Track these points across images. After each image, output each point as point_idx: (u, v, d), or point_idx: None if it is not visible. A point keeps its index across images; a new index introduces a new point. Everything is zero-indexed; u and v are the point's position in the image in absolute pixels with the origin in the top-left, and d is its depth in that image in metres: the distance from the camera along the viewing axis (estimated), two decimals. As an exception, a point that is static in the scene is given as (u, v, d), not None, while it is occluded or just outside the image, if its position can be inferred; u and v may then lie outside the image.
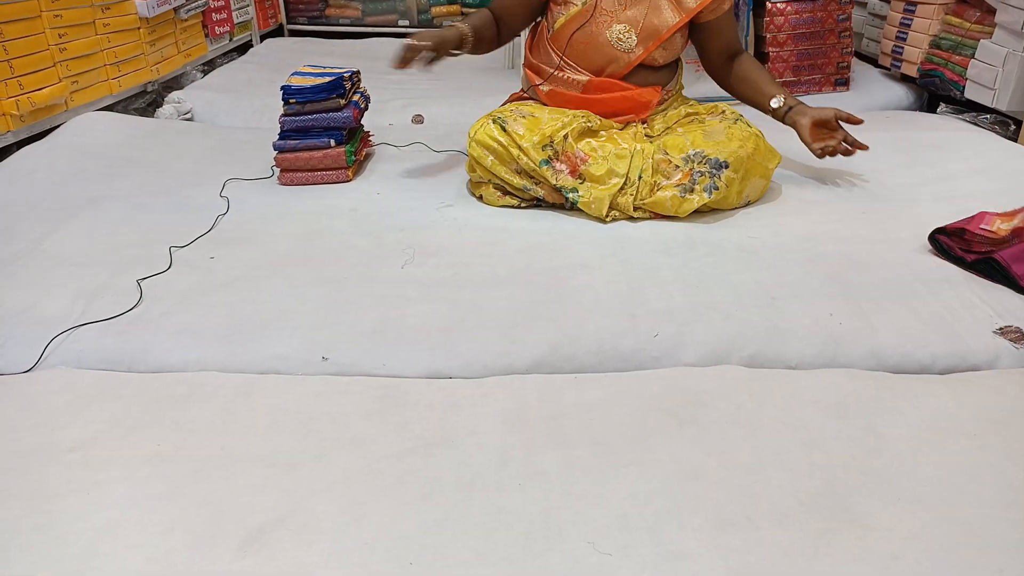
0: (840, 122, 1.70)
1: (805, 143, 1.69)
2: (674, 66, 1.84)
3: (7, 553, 0.80)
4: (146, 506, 0.86)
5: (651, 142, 1.68)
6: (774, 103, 1.74)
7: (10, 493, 0.88)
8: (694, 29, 1.78)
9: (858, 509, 0.85)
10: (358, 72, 1.99)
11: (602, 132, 1.69)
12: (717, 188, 1.57)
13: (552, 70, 1.76)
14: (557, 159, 1.62)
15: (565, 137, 1.62)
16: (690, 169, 1.58)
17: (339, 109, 1.81)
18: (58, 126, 2.07)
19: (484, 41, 1.79)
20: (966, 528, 0.82)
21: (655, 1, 1.70)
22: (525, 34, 1.91)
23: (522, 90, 1.90)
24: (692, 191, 1.57)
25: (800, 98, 2.58)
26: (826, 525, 0.83)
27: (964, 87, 2.27)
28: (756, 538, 0.82)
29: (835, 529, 0.83)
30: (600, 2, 1.70)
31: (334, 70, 1.97)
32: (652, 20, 1.70)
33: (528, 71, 1.83)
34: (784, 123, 1.74)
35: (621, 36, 1.69)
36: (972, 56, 2.23)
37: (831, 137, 1.71)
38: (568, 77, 1.75)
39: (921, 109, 2.59)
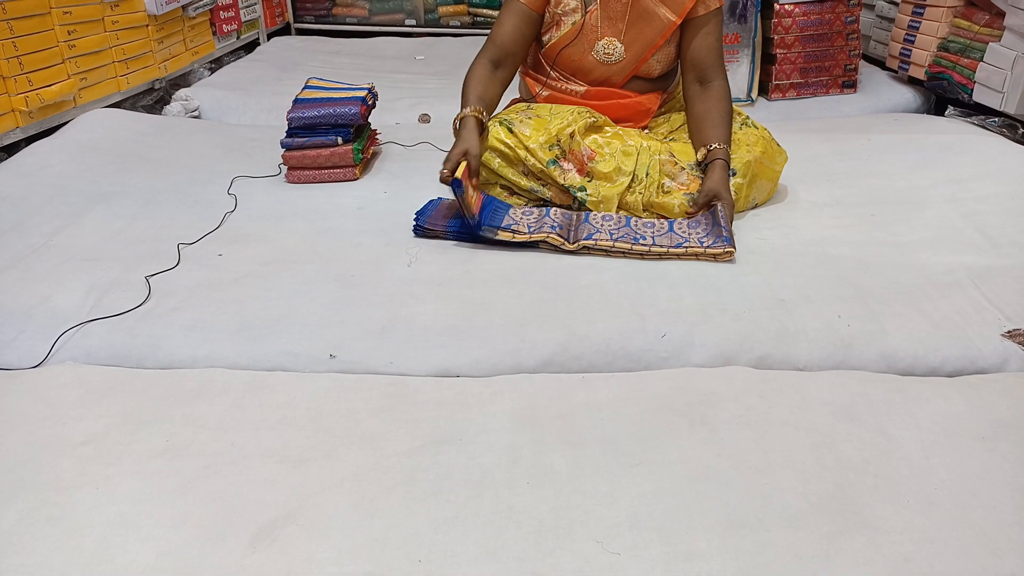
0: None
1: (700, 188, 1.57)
2: (673, 73, 1.83)
3: (22, 544, 0.80)
4: (157, 500, 0.87)
5: (656, 141, 1.67)
6: (699, 155, 1.60)
7: (24, 485, 0.88)
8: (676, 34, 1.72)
9: (869, 511, 0.85)
10: (371, 90, 1.99)
11: (607, 128, 1.69)
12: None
13: (546, 79, 1.77)
14: (564, 158, 1.62)
15: (572, 135, 1.62)
16: (697, 175, 1.58)
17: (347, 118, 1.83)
18: (66, 122, 2.08)
19: (496, 101, 1.70)
20: (978, 531, 0.82)
21: (644, 10, 1.66)
22: None
23: (521, 97, 1.91)
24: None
25: (807, 101, 2.61)
26: (836, 527, 0.83)
27: (972, 90, 2.26)
28: (766, 539, 0.82)
29: (846, 531, 0.83)
30: (588, 21, 1.68)
31: (341, 88, 1.97)
32: (642, 30, 1.67)
33: (527, 79, 1.84)
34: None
35: (607, 49, 1.68)
36: (980, 59, 2.23)
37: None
38: (564, 87, 1.76)
39: (929, 112, 2.59)
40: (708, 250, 1.41)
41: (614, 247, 1.44)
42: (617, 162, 1.60)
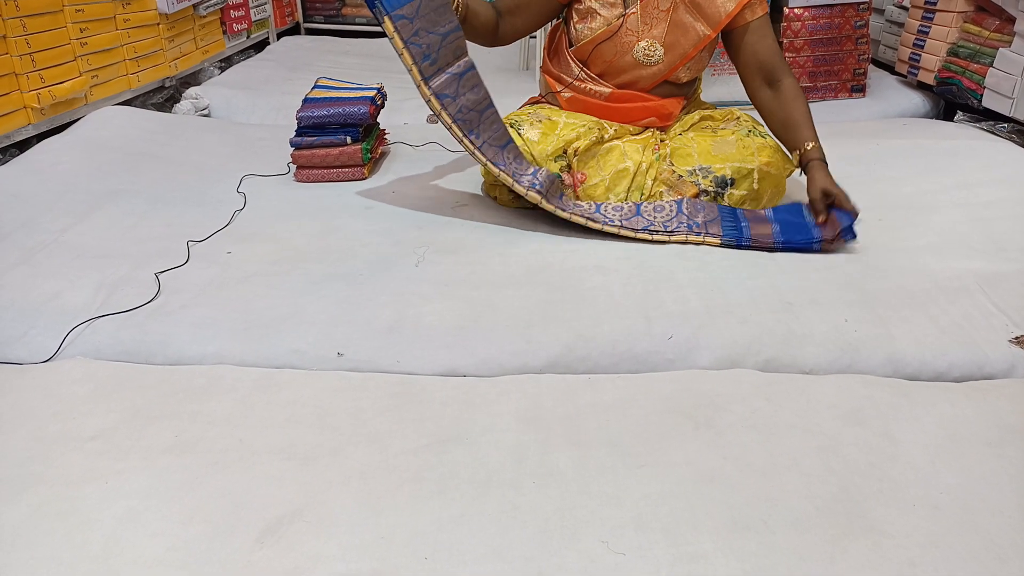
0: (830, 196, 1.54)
1: (809, 195, 1.56)
2: (695, 80, 1.82)
3: (32, 538, 0.81)
4: (166, 495, 0.87)
5: (660, 151, 1.66)
6: (794, 159, 1.61)
7: (33, 479, 0.89)
8: (725, 39, 1.72)
9: (875, 515, 0.85)
10: (380, 90, 2.00)
11: (611, 141, 1.67)
12: None
13: (572, 80, 1.75)
14: (568, 172, 1.62)
15: (575, 152, 1.61)
16: (695, 183, 1.58)
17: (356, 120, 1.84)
18: (77, 120, 2.09)
19: (476, 29, 1.68)
20: (984, 536, 0.82)
21: (680, 20, 1.66)
22: (543, 39, 1.89)
23: (540, 95, 1.89)
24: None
25: (816, 105, 2.60)
26: (842, 531, 0.83)
27: (982, 96, 2.26)
28: (772, 542, 0.82)
29: (851, 535, 0.83)
30: (626, 21, 1.67)
31: (351, 88, 1.98)
32: (678, 39, 1.67)
33: (548, 78, 1.81)
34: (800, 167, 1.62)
35: (648, 51, 1.67)
36: (990, 65, 2.22)
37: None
38: (590, 88, 1.73)
39: (938, 117, 2.58)
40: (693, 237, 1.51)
41: (621, 231, 1.53)
42: (606, 185, 1.60)
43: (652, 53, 1.67)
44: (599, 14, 1.68)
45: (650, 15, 1.66)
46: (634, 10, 1.66)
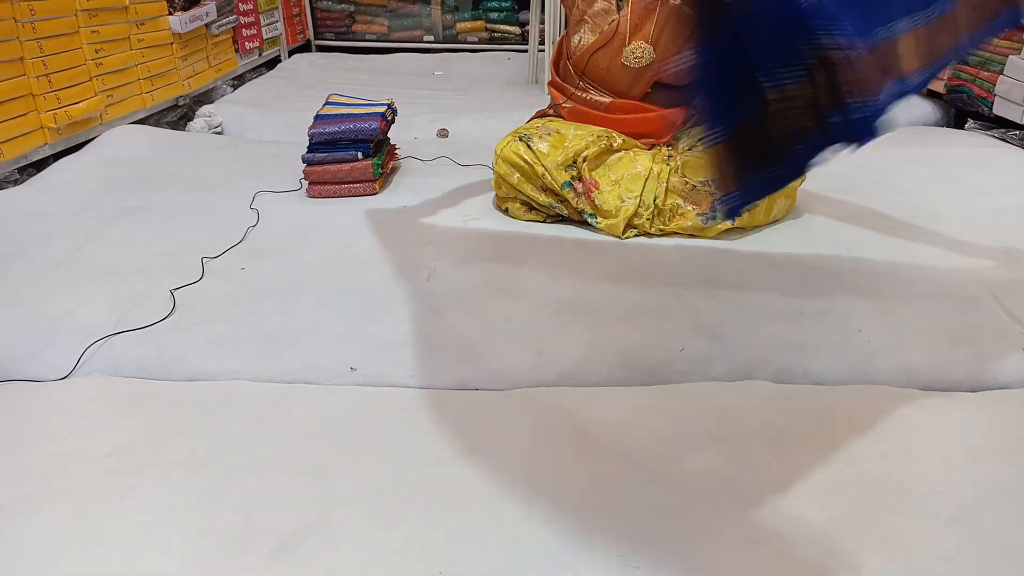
0: None
1: None
2: None
3: (49, 554, 0.82)
4: (181, 511, 0.88)
5: (669, 164, 1.66)
6: None
7: (51, 496, 0.90)
8: None
9: (890, 527, 0.85)
10: (391, 106, 2.02)
11: (620, 151, 1.67)
12: (740, 215, 1.57)
13: (574, 90, 1.76)
14: (578, 181, 1.63)
15: (584, 160, 1.62)
16: (708, 192, 1.58)
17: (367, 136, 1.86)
18: (93, 139, 2.12)
19: None
20: (1001, 548, 0.81)
21: (667, 16, 1.65)
22: (551, 52, 1.89)
23: (548, 107, 1.90)
24: (714, 218, 1.57)
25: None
26: (858, 543, 0.83)
27: (992, 103, 2.25)
28: (787, 555, 0.81)
29: (867, 547, 0.82)
30: (619, 26, 1.68)
31: (361, 104, 2.00)
32: (666, 35, 1.67)
33: (553, 90, 1.83)
34: None
35: (636, 53, 1.68)
36: (1000, 72, 2.21)
37: None
38: (591, 98, 1.74)
39: (948, 125, 2.57)
40: None
41: None
42: (620, 190, 1.60)
43: (641, 56, 1.67)
44: (593, 22, 1.70)
45: (638, 15, 1.67)
46: (626, 11, 1.67)
